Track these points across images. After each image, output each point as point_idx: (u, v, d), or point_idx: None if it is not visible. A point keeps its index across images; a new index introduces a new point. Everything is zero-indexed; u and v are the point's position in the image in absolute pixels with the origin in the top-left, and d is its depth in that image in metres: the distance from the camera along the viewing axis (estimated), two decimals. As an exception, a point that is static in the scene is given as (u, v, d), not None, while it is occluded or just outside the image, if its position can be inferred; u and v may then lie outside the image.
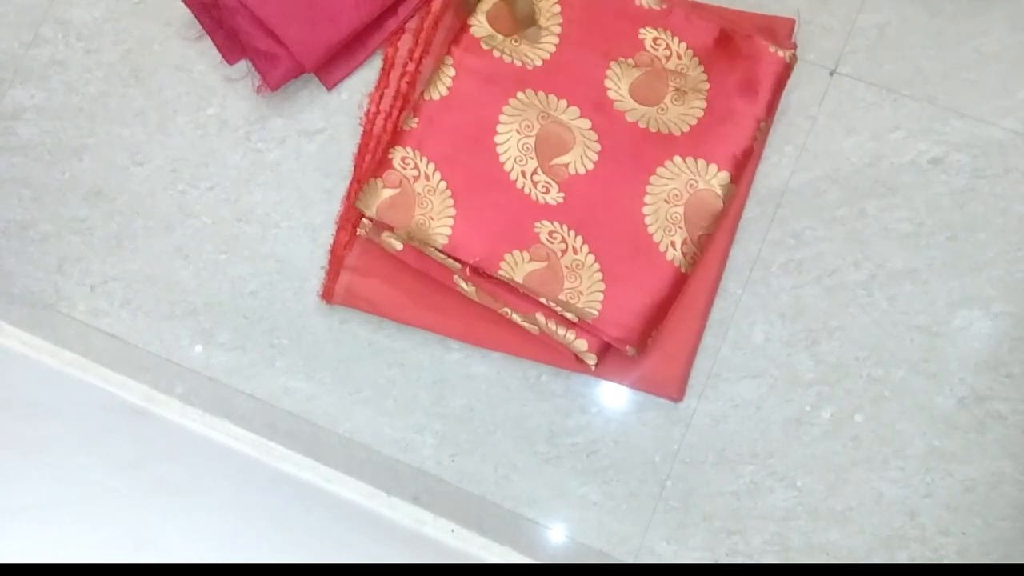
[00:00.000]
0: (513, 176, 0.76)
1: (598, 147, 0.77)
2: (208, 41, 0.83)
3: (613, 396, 0.79)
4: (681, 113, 0.77)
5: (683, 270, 0.75)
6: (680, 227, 0.75)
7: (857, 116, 0.79)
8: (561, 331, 0.75)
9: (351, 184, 0.81)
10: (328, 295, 0.80)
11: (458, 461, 0.79)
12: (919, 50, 0.80)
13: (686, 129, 0.76)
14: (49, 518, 0.55)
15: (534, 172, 0.76)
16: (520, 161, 0.77)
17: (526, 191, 0.76)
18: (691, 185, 0.76)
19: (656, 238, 0.75)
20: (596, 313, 0.74)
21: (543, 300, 0.74)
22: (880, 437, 0.77)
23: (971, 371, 0.76)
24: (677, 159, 0.76)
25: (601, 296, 0.74)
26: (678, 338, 0.77)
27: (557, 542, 0.78)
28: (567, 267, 0.75)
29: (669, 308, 0.76)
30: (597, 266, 0.75)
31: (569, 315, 0.74)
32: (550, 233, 0.75)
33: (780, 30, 0.79)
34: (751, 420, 0.78)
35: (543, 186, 0.76)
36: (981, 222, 0.78)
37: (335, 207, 0.82)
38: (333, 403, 0.81)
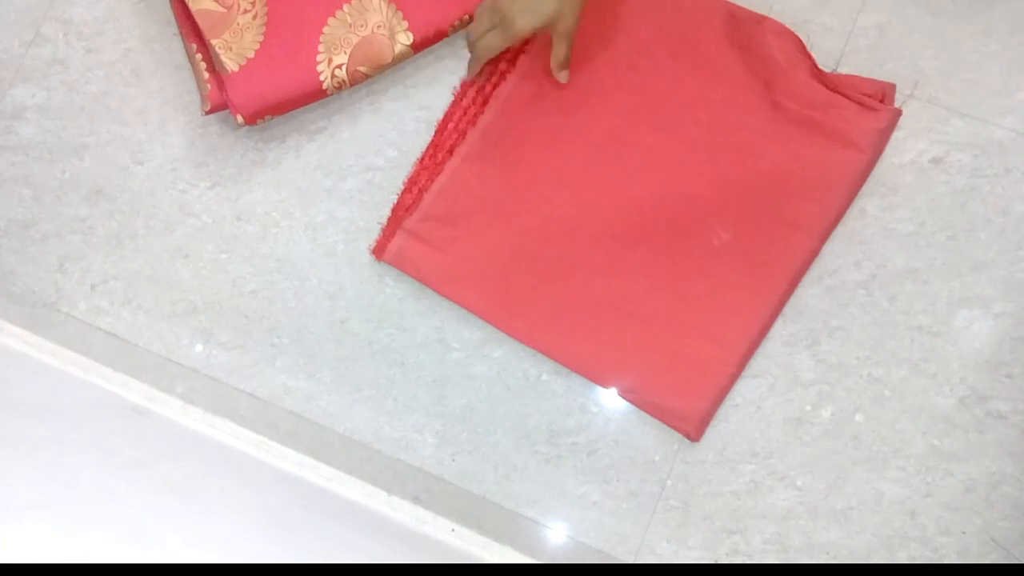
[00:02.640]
0: None
1: None
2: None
3: (614, 396, 0.79)
4: None
5: (324, 87, 0.79)
6: (346, 53, 0.79)
7: (858, 116, 0.79)
8: (203, 67, 0.80)
9: (426, 150, 0.82)
10: (380, 252, 0.80)
11: (458, 460, 0.79)
12: (920, 50, 0.80)
13: None
14: (49, 518, 0.55)
15: None
16: None
17: None
18: (379, 27, 0.79)
19: (320, 47, 0.79)
20: (234, 70, 0.78)
21: (204, 35, 0.78)
22: (880, 437, 0.77)
23: (971, 371, 0.76)
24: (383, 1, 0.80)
25: (244, 62, 0.78)
26: (708, 375, 0.76)
27: (557, 541, 0.78)
28: (237, 24, 0.79)
29: (294, 103, 0.80)
30: (260, 39, 0.79)
31: (219, 57, 0.78)
32: None
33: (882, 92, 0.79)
34: (751, 419, 0.78)
35: None
36: (981, 222, 0.78)
37: (335, 206, 0.82)
38: (333, 402, 0.81)
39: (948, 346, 0.77)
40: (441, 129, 0.82)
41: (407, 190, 0.81)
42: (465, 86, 0.82)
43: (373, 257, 0.81)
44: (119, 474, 0.67)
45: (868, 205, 0.78)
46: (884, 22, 0.80)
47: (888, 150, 0.79)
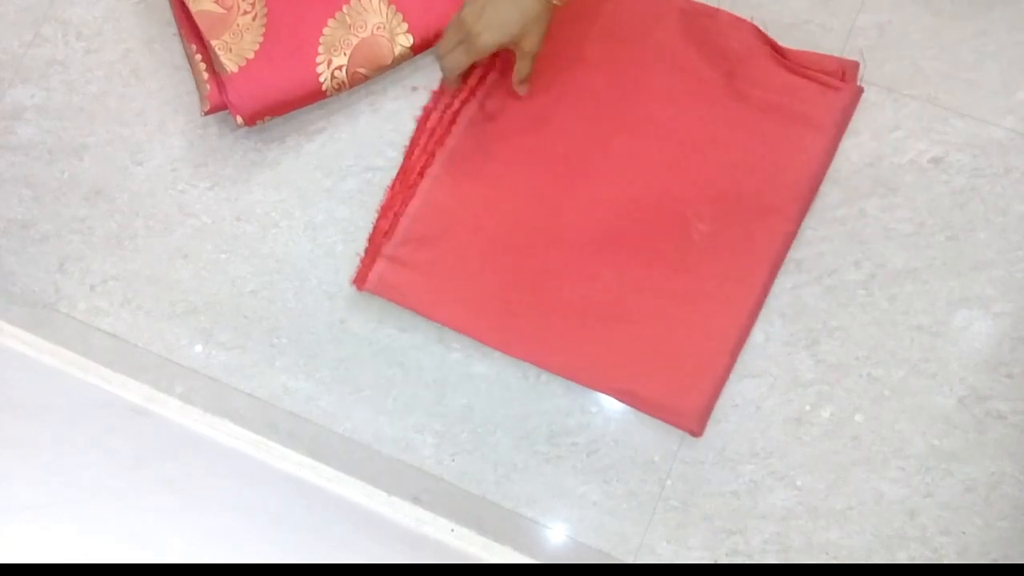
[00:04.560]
0: None
1: None
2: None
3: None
4: None
5: (323, 88, 0.79)
6: (345, 54, 0.79)
7: (857, 116, 0.79)
8: (202, 67, 0.81)
9: (397, 176, 0.81)
10: (360, 282, 0.79)
11: (458, 461, 0.79)
12: (919, 50, 0.80)
13: None
14: (49, 518, 0.55)
15: None
16: None
17: None
18: (379, 28, 0.79)
19: (320, 48, 0.79)
20: (233, 71, 0.78)
21: (203, 36, 0.79)
22: (880, 437, 0.77)
23: (971, 371, 0.76)
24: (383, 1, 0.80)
25: (243, 63, 0.78)
26: (702, 369, 0.76)
27: (557, 542, 0.78)
28: (237, 25, 0.79)
29: (293, 104, 0.80)
30: (260, 40, 0.79)
31: (218, 57, 0.79)
32: None
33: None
34: (751, 420, 0.78)
35: None
36: (981, 222, 0.78)
37: (335, 206, 0.82)
38: (333, 402, 0.81)
39: (948, 346, 0.77)
40: (409, 153, 0.81)
41: (382, 216, 0.80)
42: (428, 109, 0.82)
43: (354, 288, 0.80)
44: (119, 474, 0.67)
45: (868, 205, 0.78)
46: (884, 22, 0.80)
47: (888, 150, 0.79)
